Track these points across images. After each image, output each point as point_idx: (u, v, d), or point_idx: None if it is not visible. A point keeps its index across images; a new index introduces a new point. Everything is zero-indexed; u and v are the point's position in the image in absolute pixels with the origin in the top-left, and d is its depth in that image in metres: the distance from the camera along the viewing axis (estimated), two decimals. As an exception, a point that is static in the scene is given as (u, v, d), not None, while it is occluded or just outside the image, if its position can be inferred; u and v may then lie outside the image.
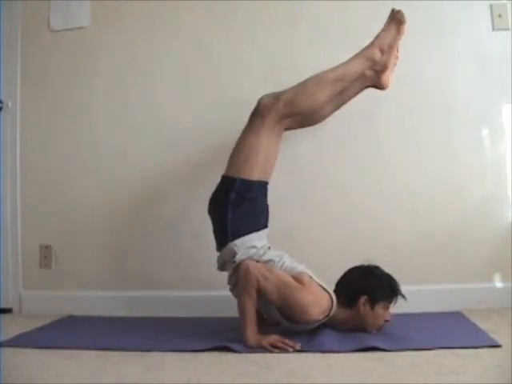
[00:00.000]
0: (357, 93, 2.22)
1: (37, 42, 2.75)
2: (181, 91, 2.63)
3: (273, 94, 2.06)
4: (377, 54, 2.12)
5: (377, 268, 2.02)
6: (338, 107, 2.22)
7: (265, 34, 2.59)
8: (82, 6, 2.71)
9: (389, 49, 2.14)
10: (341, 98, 2.19)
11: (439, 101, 2.47)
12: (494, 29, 2.45)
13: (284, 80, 2.49)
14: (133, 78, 2.67)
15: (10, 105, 2.73)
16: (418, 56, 2.42)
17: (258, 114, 2.05)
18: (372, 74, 2.17)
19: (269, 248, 2.02)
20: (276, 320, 1.96)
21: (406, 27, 2.15)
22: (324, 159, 2.51)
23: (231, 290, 2.03)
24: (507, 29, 2.44)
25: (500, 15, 2.45)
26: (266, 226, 2.07)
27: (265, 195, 2.09)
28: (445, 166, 2.46)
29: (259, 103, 2.06)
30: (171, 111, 2.64)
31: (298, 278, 1.91)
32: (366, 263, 2.03)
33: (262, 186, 2.06)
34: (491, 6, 2.45)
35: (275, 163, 2.10)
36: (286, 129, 2.13)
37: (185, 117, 2.62)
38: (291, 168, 2.47)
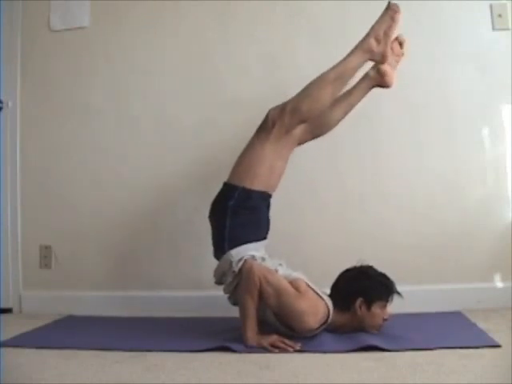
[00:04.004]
0: (363, 94, 2.21)
1: (37, 42, 2.75)
2: (181, 91, 2.63)
3: (279, 106, 2.06)
4: (373, 44, 2.07)
5: (370, 268, 2.00)
6: (346, 111, 2.20)
7: (265, 34, 2.58)
8: (82, 6, 2.71)
9: (385, 37, 2.08)
10: (348, 102, 2.18)
11: (439, 101, 2.47)
12: (494, 29, 2.45)
13: (284, 80, 2.51)
14: (133, 78, 2.67)
15: (10, 104, 2.72)
16: (418, 56, 2.42)
17: (266, 126, 2.06)
18: (374, 73, 2.17)
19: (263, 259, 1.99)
20: (272, 325, 1.94)
21: (401, 16, 2.09)
22: (324, 159, 2.51)
23: (229, 298, 2.03)
24: (507, 29, 2.44)
25: (500, 15, 2.44)
26: (264, 238, 2.07)
27: (267, 207, 2.09)
28: (445, 165, 2.45)
29: (267, 116, 2.07)
30: (171, 111, 2.63)
31: (294, 285, 1.90)
32: (359, 264, 2.01)
33: (263, 197, 2.05)
34: (491, 5, 2.45)
35: (281, 176, 2.10)
36: (299, 143, 2.15)
37: (185, 116, 2.62)
38: (291, 168, 2.45)
